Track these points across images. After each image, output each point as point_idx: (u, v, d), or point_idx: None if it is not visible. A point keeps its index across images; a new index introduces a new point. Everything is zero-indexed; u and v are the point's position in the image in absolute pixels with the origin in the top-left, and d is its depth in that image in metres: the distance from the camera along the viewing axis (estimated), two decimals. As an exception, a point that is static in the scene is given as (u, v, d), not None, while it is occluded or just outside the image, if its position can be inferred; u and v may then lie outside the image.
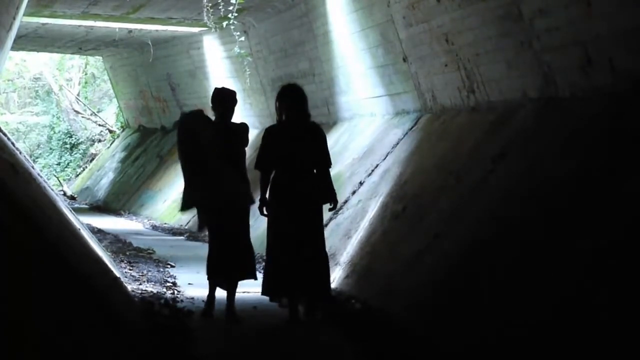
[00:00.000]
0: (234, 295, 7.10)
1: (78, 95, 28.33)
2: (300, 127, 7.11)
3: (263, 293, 7.06)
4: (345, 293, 7.92)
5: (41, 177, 8.97)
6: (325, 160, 7.13)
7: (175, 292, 8.47)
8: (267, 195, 7.08)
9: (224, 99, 7.33)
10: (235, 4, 12.10)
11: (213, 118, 7.36)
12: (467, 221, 7.16)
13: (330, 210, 7.26)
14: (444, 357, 5.81)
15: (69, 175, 27.31)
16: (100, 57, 24.51)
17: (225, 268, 7.15)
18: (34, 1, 13.11)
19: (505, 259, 6.16)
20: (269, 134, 7.16)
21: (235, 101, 7.36)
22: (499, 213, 6.80)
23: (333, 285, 8.25)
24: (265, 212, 7.08)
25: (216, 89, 7.48)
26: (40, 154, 29.63)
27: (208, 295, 7.24)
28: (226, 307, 7.05)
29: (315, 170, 7.12)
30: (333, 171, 7.68)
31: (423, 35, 9.52)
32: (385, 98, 11.20)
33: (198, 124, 7.26)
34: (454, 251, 6.95)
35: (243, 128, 7.43)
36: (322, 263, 7.05)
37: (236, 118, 7.54)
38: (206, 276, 7.28)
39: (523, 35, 7.54)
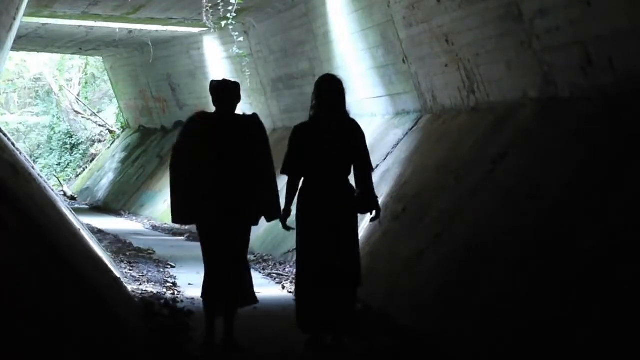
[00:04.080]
0: (233, 320, 6.20)
1: (78, 95, 28.33)
2: (334, 124, 6.10)
3: (298, 326, 6.10)
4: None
5: (41, 177, 8.98)
6: (364, 162, 6.11)
7: (176, 292, 8.47)
8: (290, 206, 6.17)
9: (220, 91, 6.37)
10: (234, 5, 12.10)
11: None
12: (467, 221, 7.16)
13: (372, 220, 6.33)
14: (444, 358, 5.80)
15: (69, 176, 27.31)
16: (101, 58, 24.51)
17: (220, 295, 6.23)
18: (34, 1, 13.11)
19: (505, 258, 6.16)
20: (297, 133, 6.16)
21: (233, 94, 6.36)
22: (499, 213, 6.80)
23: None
24: (289, 226, 6.13)
25: (212, 81, 6.55)
26: (40, 154, 29.64)
27: (206, 323, 6.23)
28: (224, 332, 6.17)
29: (353, 175, 6.16)
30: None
31: (423, 36, 9.52)
32: (386, 98, 11.20)
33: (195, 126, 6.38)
34: (454, 251, 6.95)
35: (253, 121, 6.36)
36: (353, 290, 6.10)
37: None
38: (201, 299, 6.37)
39: (523, 35, 7.54)
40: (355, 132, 6.13)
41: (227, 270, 6.20)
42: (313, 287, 5.99)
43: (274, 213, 6.25)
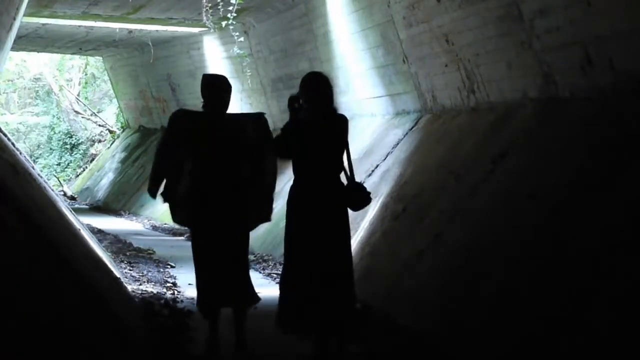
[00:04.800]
0: (243, 320, 6.11)
1: (78, 95, 28.34)
2: (324, 121, 5.94)
3: (277, 325, 5.93)
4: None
5: (41, 177, 8.98)
6: (348, 156, 5.99)
7: (175, 292, 8.47)
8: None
9: (211, 86, 6.17)
10: (234, 5, 12.10)
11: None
12: (467, 221, 7.16)
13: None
14: (444, 358, 5.80)
15: (69, 176, 27.31)
16: (101, 58, 24.51)
17: (220, 300, 6.10)
18: (34, 1, 13.11)
19: (505, 259, 6.16)
20: (284, 132, 5.98)
21: (221, 88, 6.15)
22: (499, 213, 6.80)
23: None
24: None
25: (203, 75, 6.33)
26: (40, 154, 29.64)
27: (210, 327, 6.06)
28: (235, 332, 6.07)
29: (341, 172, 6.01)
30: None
31: (423, 36, 9.52)
32: (386, 98, 11.20)
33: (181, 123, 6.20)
34: (454, 251, 6.95)
35: (256, 120, 6.23)
36: (351, 290, 5.89)
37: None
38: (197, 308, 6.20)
39: (523, 35, 7.54)
40: (344, 127, 5.96)
41: (228, 273, 6.07)
42: (305, 286, 5.79)
43: (266, 217, 6.21)
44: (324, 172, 5.90)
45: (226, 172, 6.08)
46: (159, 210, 17.25)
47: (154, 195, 6.20)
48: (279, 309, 5.89)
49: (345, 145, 5.96)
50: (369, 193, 6.02)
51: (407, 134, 10.23)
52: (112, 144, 25.52)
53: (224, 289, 6.10)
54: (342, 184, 5.98)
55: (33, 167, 9.00)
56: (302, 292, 5.81)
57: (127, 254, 11.19)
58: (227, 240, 6.07)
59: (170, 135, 6.17)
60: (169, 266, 10.39)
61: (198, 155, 6.09)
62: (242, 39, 14.02)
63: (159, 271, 9.88)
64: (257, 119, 6.25)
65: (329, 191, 5.88)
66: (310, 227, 5.84)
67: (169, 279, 9.31)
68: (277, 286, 8.87)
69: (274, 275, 9.60)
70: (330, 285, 5.79)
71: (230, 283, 6.11)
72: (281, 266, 9.88)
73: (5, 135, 8.19)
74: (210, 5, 12.49)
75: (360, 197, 5.98)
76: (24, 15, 12.43)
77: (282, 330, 5.91)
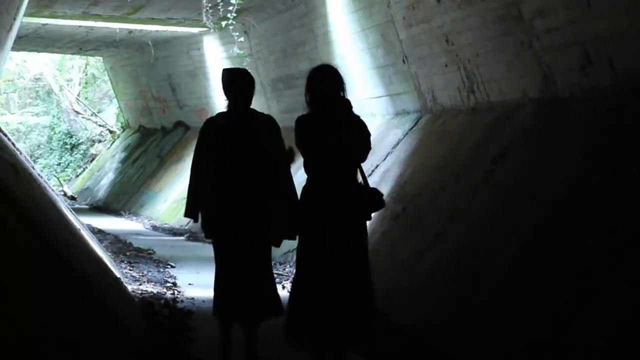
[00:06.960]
0: (256, 335, 5.75)
1: (78, 95, 28.34)
2: (335, 117, 5.46)
3: (285, 338, 5.49)
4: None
5: (41, 177, 8.98)
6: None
7: (176, 292, 8.48)
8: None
9: (233, 80, 5.83)
10: (234, 5, 12.10)
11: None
12: (467, 221, 7.16)
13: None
14: (444, 358, 5.80)
15: (69, 176, 27.32)
16: (101, 58, 24.52)
17: (237, 309, 5.75)
18: (34, 1, 13.11)
19: (505, 259, 6.16)
20: (300, 126, 5.52)
21: (246, 83, 5.81)
22: (499, 213, 6.80)
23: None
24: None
25: (222, 70, 5.96)
26: (40, 154, 29.64)
27: (221, 339, 5.78)
28: (245, 349, 5.73)
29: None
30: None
31: (423, 36, 9.53)
32: (385, 98, 11.20)
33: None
34: (454, 251, 6.95)
35: (269, 121, 5.96)
36: (369, 302, 5.42)
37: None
38: (213, 313, 5.85)
39: (523, 35, 7.54)
40: (356, 128, 5.51)
41: (246, 279, 5.75)
42: (308, 300, 5.36)
43: (292, 234, 5.75)
44: (339, 174, 5.44)
45: (248, 180, 5.74)
46: (159, 210, 17.25)
47: (194, 218, 5.90)
48: (287, 320, 5.47)
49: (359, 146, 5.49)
50: (382, 195, 5.65)
51: (407, 134, 10.23)
52: (112, 144, 25.53)
53: (241, 302, 5.76)
54: (359, 186, 5.53)
55: (33, 167, 9.00)
56: (314, 307, 5.34)
57: (127, 254, 11.20)
58: (247, 252, 5.76)
59: (198, 154, 5.90)
60: (169, 266, 10.39)
61: (220, 164, 5.76)
62: (242, 39, 14.02)
63: (159, 271, 9.89)
64: (271, 123, 5.95)
65: (344, 195, 5.42)
66: (326, 235, 5.38)
67: (169, 279, 9.31)
68: (277, 286, 8.89)
69: (274, 275, 9.59)
70: (346, 302, 5.32)
71: (250, 294, 5.77)
72: (281, 266, 9.92)
73: (6, 135, 8.19)
74: (210, 5, 12.49)
75: (374, 201, 5.57)
76: (24, 15, 12.44)
77: (289, 343, 5.51)
